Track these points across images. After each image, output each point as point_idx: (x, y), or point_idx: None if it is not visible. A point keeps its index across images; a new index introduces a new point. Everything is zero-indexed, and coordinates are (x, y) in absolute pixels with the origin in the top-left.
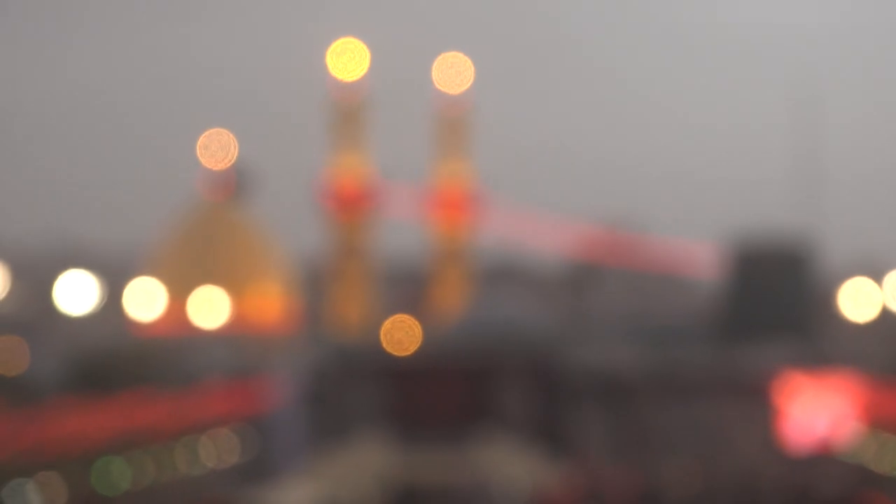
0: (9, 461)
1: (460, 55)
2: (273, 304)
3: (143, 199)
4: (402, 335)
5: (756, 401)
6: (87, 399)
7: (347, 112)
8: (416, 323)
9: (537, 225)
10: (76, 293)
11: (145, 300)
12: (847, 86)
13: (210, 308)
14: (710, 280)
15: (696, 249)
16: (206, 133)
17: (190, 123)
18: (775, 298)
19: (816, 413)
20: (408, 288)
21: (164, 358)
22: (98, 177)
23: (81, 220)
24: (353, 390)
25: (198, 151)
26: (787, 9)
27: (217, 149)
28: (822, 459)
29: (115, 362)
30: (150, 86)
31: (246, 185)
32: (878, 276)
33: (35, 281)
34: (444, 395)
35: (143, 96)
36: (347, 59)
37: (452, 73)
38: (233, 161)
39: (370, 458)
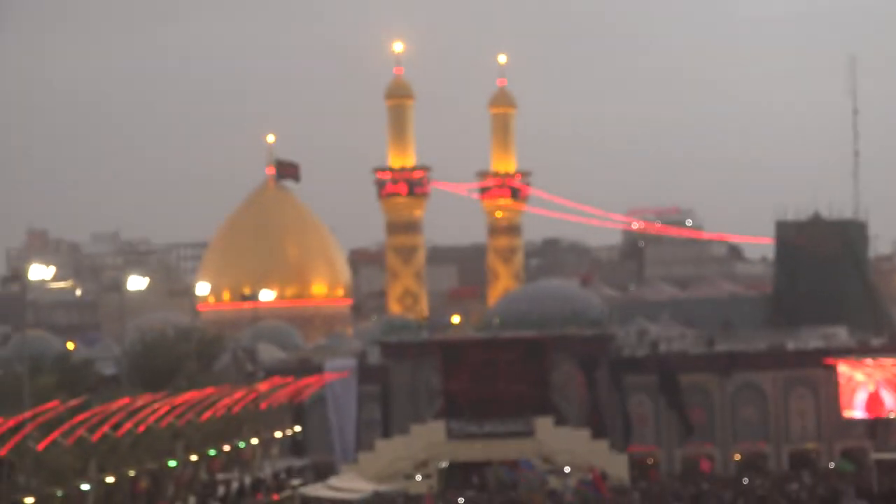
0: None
1: (515, 49)
2: (330, 281)
3: (207, 192)
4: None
5: (812, 376)
6: (152, 389)
7: (403, 101)
8: (471, 300)
9: (585, 210)
10: (140, 286)
11: (210, 281)
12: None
13: (269, 287)
14: (762, 260)
15: (746, 237)
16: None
17: (251, 116)
18: (827, 281)
19: (870, 385)
20: (463, 266)
21: (227, 335)
22: (161, 173)
23: (155, 210)
24: (409, 366)
25: (266, 139)
26: None
27: (277, 137)
28: (879, 424)
29: (182, 342)
30: (204, 82)
31: (300, 169)
32: None
33: (103, 277)
34: (500, 370)
35: (202, 95)
36: (403, 54)
37: (506, 66)
38: (293, 148)
39: (427, 434)
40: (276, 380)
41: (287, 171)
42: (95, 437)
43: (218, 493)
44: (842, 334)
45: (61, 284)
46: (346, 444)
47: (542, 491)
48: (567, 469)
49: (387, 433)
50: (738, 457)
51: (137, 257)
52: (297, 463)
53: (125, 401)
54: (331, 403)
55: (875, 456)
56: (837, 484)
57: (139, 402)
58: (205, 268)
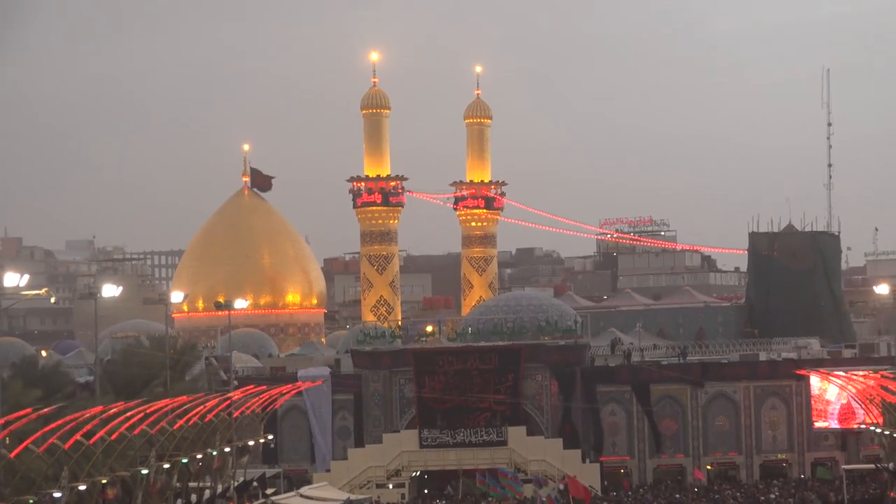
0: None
1: (491, 60)
2: (304, 290)
3: (182, 200)
4: (432, 321)
5: (784, 387)
6: (126, 397)
7: (379, 111)
8: (445, 309)
9: (560, 220)
10: (114, 293)
11: (184, 290)
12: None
13: (243, 295)
14: (735, 270)
15: (720, 247)
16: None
17: (227, 125)
18: (800, 292)
19: (842, 397)
20: (437, 276)
21: (201, 344)
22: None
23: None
24: (382, 375)
25: (241, 148)
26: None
27: (253, 146)
28: (850, 435)
29: (155, 350)
30: (189, 90)
31: (271, 181)
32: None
33: (77, 285)
34: (473, 379)
35: (185, 100)
36: (379, 64)
37: (481, 77)
38: (272, 160)
39: (400, 443)
40: (250, 388)
41: (259, 181)
42: (68, 444)
43: (191, 501)
44: (814, 345)
45: (35, 292)
46: (322, 453)
47: (514, 500)
48: (541, 478)
49: (359, 442)
50: (709, 467)
51: (112, 265)
52: (269, 471)
53: (98, 409)
54: (310, 412)
55: (846, 467)
56: (806, 495)
57: (112, 410)
58: (179, 276)
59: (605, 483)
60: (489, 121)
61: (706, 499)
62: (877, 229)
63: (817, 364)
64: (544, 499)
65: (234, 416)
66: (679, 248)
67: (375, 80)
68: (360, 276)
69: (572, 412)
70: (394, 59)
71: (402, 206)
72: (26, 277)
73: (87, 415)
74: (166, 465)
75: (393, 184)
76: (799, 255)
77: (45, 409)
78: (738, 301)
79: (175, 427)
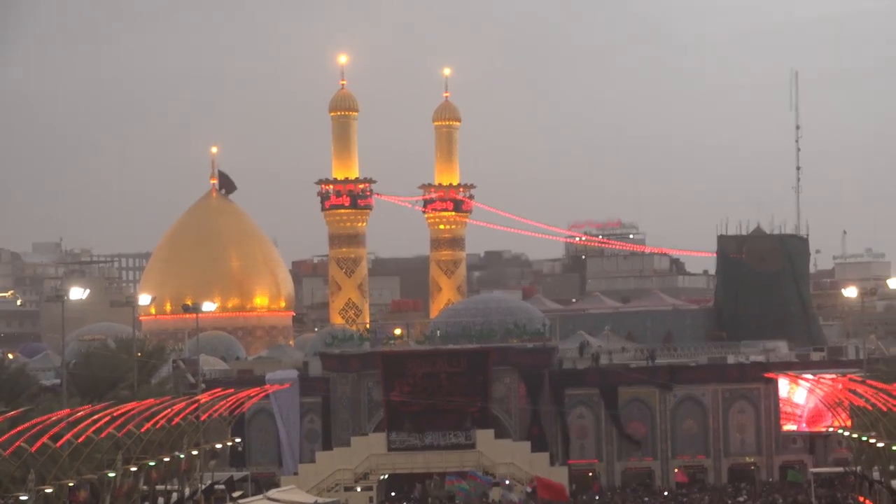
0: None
1: (459, 63)
2: (272, 293)
3: (150, 203)
4: (401, 324)
5: (753, 390)
6: (93, 400)
7: (347, 113)
8: (413, 312)
9: (528, 223)
10: (81, 296)
11: (152, 292)
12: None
13: (211, 298)
14: (704, 273)
15: (689, 250)
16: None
17: (195, 127)
18: (769, 295)
19: (810, 400)
20: (406, 278)
21: (168, 346)
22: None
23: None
24: (351, 378)
25: (211, 154)
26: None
27: (221, 149)
28: (818, 438)
29: (123, 352)
30: (159, 93)
31: (233, 182)
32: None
33: (44, 287)
34: (442, 382)
35: (154, 103)
36: (348, 67)
37: (450, 79)
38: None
39: (368, 446)
40: (218, 391)
41: (228, 184)
42: (34, 447)
43: None
44: (782, 349)
45: (2, 294)
46: (290, 456)
47: (482, 501)
48: (508, 481)
49: (327, 445)
50: (677, 470)
51: (79, 267)
52: (237, 474)
53: (65, 412)
54: (277, 415)
55: (814, 470)
56: (774, 498)
57: (79, 414)
58: (147, 278)
59: (574, 486)
60: (458, 123)
61: (675, 502)
62: (845, 232)
63: (786, 367)
64: (514, 499)
65: (202, 419)
66: (647, 250)
67: (344, 82)
68: (329, 279)
69: (540, 415)
70: (362, 62)
71: (371, 209)
72: None
73: (54, 418)
74: (133, 469)
75: (361, 186)
76: (767, 259)
77: (12, 412)
78: (706, 304)
79: (142, 430)
